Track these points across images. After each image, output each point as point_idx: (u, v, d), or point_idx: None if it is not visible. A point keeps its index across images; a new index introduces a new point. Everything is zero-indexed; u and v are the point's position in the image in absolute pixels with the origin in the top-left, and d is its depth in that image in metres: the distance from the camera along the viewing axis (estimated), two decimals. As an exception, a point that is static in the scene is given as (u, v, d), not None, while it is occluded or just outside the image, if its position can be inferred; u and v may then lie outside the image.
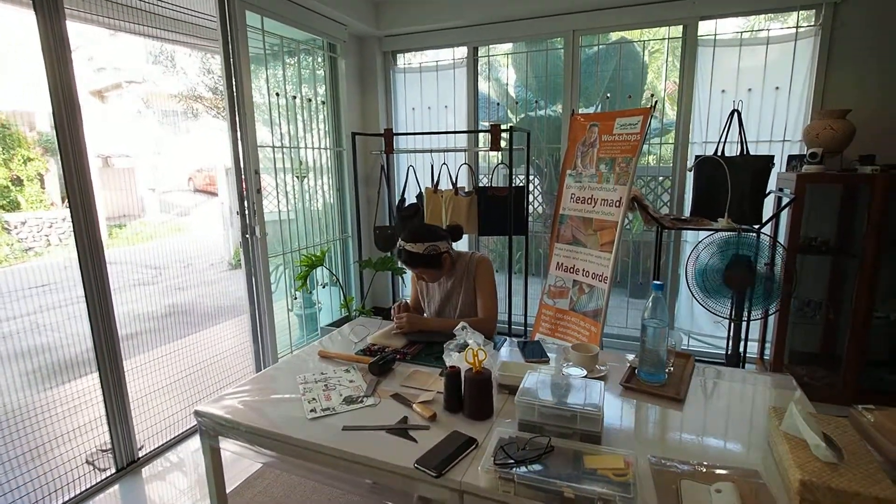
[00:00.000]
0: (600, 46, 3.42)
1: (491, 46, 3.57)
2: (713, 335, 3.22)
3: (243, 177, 2.89)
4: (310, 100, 3.32)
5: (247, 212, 2.92)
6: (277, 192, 3.19)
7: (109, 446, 2.33)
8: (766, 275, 2.42)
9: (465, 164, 3.46)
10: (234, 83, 2.74)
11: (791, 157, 2.74)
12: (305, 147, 3.34)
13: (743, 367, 2.76)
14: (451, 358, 1.45)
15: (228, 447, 1.39)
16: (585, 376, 1.40)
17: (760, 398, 1.41)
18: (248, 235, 2.94)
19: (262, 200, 2.92)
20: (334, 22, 3.32)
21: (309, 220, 3.45)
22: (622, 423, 1.29)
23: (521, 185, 3.39)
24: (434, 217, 3.41)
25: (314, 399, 1.39)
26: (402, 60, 3.82)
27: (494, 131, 3.21)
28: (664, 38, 3.12)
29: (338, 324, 3.40)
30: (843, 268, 2.78)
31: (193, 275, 5.74)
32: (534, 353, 1.66)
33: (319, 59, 3.47)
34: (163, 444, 2.50)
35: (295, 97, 3.19)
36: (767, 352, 2.91)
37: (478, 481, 1.04)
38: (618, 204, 2.77)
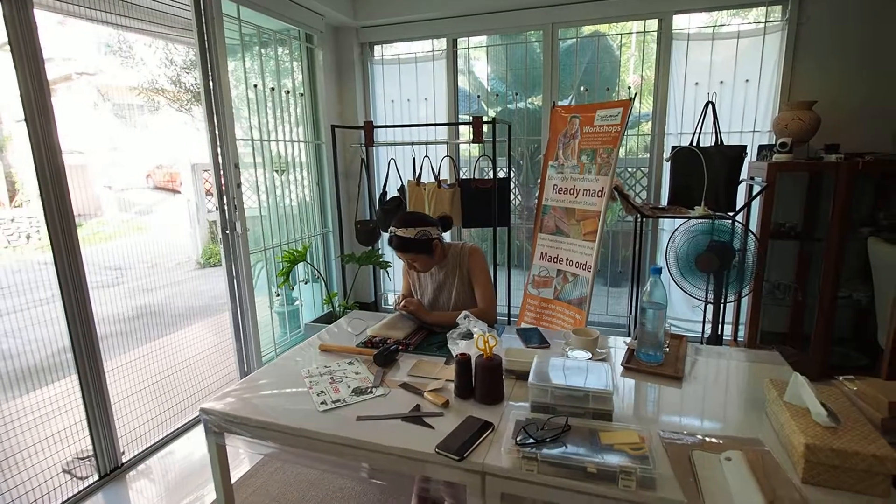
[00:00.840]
0: (578, 39, 3.46)
1: (467, 39, 3.58)
2: (689, 319, 3.36)
3: (222, 171, 2.81)
4: (287, 92, 3.25)
5: (226, 207, 2.84)
6: (258, 187, 3.11)
7: (90, 453, 2.24)
8: (739, 259, 2.53)
9: (448, 156, 3.46)
10: (210, 74, 2.65)
11: (761, 147, 2.87)
12: (284, 140, 3.27)
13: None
14: (459, 346, 1.46)
15: (234, 444, 1.37)
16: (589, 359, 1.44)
17: (750, 372, 1.49)
18: (227, 231, 2.87)
19: (242, 195, 2.85)
20: (311, 12, 3.26)
21: (288, 215, 3.38)
22: (626, 402, 1.34)
23: (502, 177, 3.42)
24: (417, 209, 3.40)
25: (323, 392, 1.38)
26: (380, 52, 3.79)
27: (476, 124, 3.22)
28: (640, 32, 3.20)
29: (322, 320, 3.36)
30: (809, 251, 2.94)
31: (159, 275, 5.54)
32: (534, 339, 1.70)
33: (296, 51, 3.40)
34: (145, 449, 2.42)
35: (273, 89, 3.11)
36: (740, 334, 3.05)
37: (499, 462, 1.06)
38: (600, 194, 2.83)
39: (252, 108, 3.01)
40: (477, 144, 3.42)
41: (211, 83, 2.67)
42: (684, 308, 3.37)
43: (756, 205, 2.76)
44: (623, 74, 3.83)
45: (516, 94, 3.63)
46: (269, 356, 3.22)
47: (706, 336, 2.88)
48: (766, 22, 2.87)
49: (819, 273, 2.70)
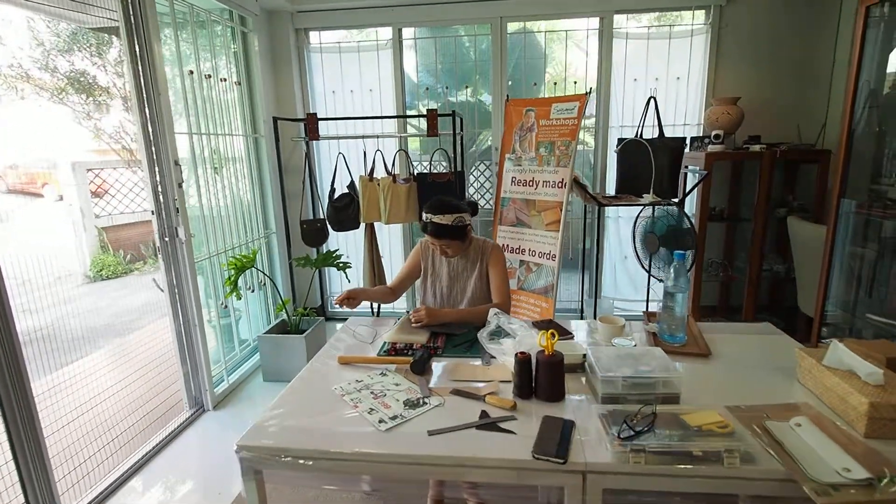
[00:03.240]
0: (525, 34, 3.53)
1: (414, 29, 3.47)
2: (633, 299, 3.63)
3: (157, 169, 2.44)
4: (224, 79, 2.90)
5: (163, 210, 2.48)
6: (199, 187, 2.74)
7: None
8: (689, 240, 2.79)
9: (402, 150, 3.35)
10: (140, 57, 2.28)
11: (693, 139, 3.17)
12: (219, 134, 2.92)
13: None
14: (504, 345, 1.42)
15: (273, 481, 1.20)
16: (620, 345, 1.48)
17: (758, 343, 1.63)
18: (167, 238, 2.50)
19: (184, 196, 2.50)
20: (244, -9, 2.94)
21: (226, 217, 3.02)
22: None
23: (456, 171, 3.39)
24: (372, 206, 3.25)
25: (373, 409, 1.26)
26: (318, 39, 3.54)
27: (431, 117, 3.16)
28: (584, 29, 3.34)
29: (275, 330, 3.08)
30: (735, 231, 3.32)
31: (37, 293, 4.73)
32: (558, 330, 1.70)
33: (229, 35, 3.04)
34: (91, 502, 2.04)
35: (209, 76, 2.76)
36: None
37: (602, 458, 1.05)
38: (561, 185, 2.93)
39: (184, 97, 2.64)
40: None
41: (140, 67, 2.29)
42: (628, 289, 3.64)
43: (694, 192, 3.05)
44: (550, 69, 3.98)
45: (466, 86, 3.61)
46: (218, 376, 2.88)
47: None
48: (692, 25, 3.17)
49: (743, 250, 3.07)
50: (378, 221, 3.30)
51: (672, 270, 1.53)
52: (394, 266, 3.67)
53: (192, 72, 2.62)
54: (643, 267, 2.82)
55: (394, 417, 1.22)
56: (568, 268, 3.94)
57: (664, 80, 3.26)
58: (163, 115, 2.35)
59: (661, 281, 2.93)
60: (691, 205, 3.18)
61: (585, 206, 3.50)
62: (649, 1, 3.15)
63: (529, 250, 3.11)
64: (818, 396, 1.26)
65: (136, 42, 2.27)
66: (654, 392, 1.22)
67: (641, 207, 2.88)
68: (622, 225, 3.54)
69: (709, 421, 1.11)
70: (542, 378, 1.28)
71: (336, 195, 3.33)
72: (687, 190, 2.99)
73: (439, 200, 1.81)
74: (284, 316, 3.15)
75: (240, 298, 2.95)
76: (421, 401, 1.29)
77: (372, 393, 1.34)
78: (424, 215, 1.79)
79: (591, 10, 3.20)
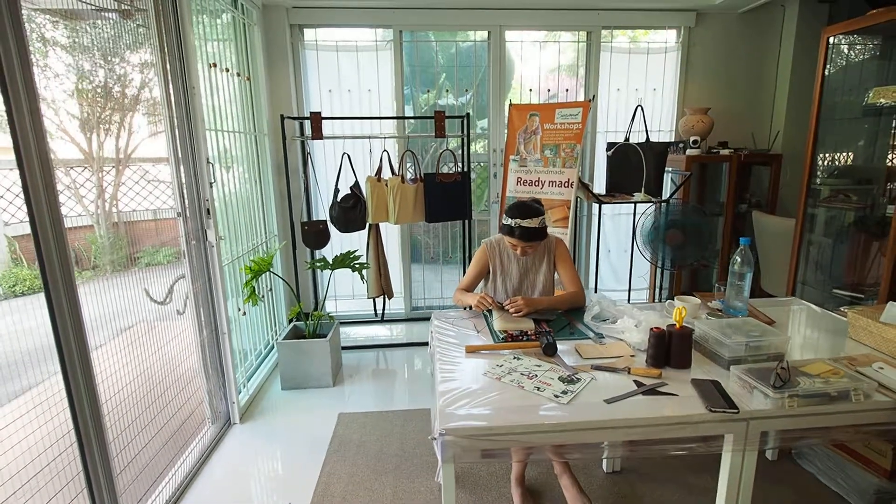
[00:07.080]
0: (519, 42, 3.73)
1: (412, 32, 3.53)
2: (616, 289, 3.98)
3: (182, 168, 2.28)
4: (239, 74, 2.75)
5: (188, 212, 2.32)
6: (220, 187, 2.58)
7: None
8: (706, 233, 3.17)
9: (409, 151, 3.38)
10: (168, 44, 2.12)
11: (669, 144, 3.58)
12: (229, 131, 2.76)
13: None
14: (624, 323, 1.58)
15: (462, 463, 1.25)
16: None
17: (796, 312, 1.96)
18: (194, 242, 2.34)
19: (213, 197, 2.36)
20: (248, -18, 2.82)
21: (237, 219, 2.86)
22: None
23: (462, 171, 3.49)
24: (380, 206, 3.26)
25: (539, 388, 1.35)
26: (313, 36, 3.46)
27: (439, 118, 3.25)
28: (574, 42, 3.63)
29: (290, 335, 2.97)
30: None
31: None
32: (636, 311, 1.90)
33: (232, 28, 2.88)
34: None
35: (227, 70, 2.61)
36: (658, 295, 3.78)
37: (762, 406, 1.25)
38: (567, 184, 3.18)
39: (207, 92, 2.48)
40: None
41: (167, 57, 2.13)
42: (610, 280, 4.00)
43: (670, 190, 3.45)
44: (543, 78, 4.21)
45: (466, 90, 3.73)
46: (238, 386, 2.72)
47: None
48: (666, 43, 3.59)
49: (710, 241, 3.53)
50: (385, 222, 3.31)
51: (738, 256, 1.80)
52: (393, 267, 3.69)
53: (214, 65, 2.47)
54: (647, 258, 3.15)
55: (564, 392, 1.33)
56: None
57: (643, 91, 3.65)
58: (195, 111, 2.21)
59: (668, 269, 3.29)
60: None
61: (577, 204, 3.79)
62: (630, 20, 3.50)
63: (536, 246, 3.31)
64: (874, 348, 1.58)
65: (164, 30, 2.11)
66: (767, 353, 1.46)
67: (647, 205, 3.21)
68: (606, 221, 3.88)
69: (824, 370, 1.36)
70: (675, 348, 1.46)
71: (340, 196, 3.29)
72: (672, 189, 3.38)
73: (523, 205, 1.91)
74: (295, 320, 3.05)
75: (256, 304, 2.81)
76: (573, 377, 1.41)
77: (523, 374, 1.44)
78: (512, 221, 1.87)
79: (580, 25, 3.49)
